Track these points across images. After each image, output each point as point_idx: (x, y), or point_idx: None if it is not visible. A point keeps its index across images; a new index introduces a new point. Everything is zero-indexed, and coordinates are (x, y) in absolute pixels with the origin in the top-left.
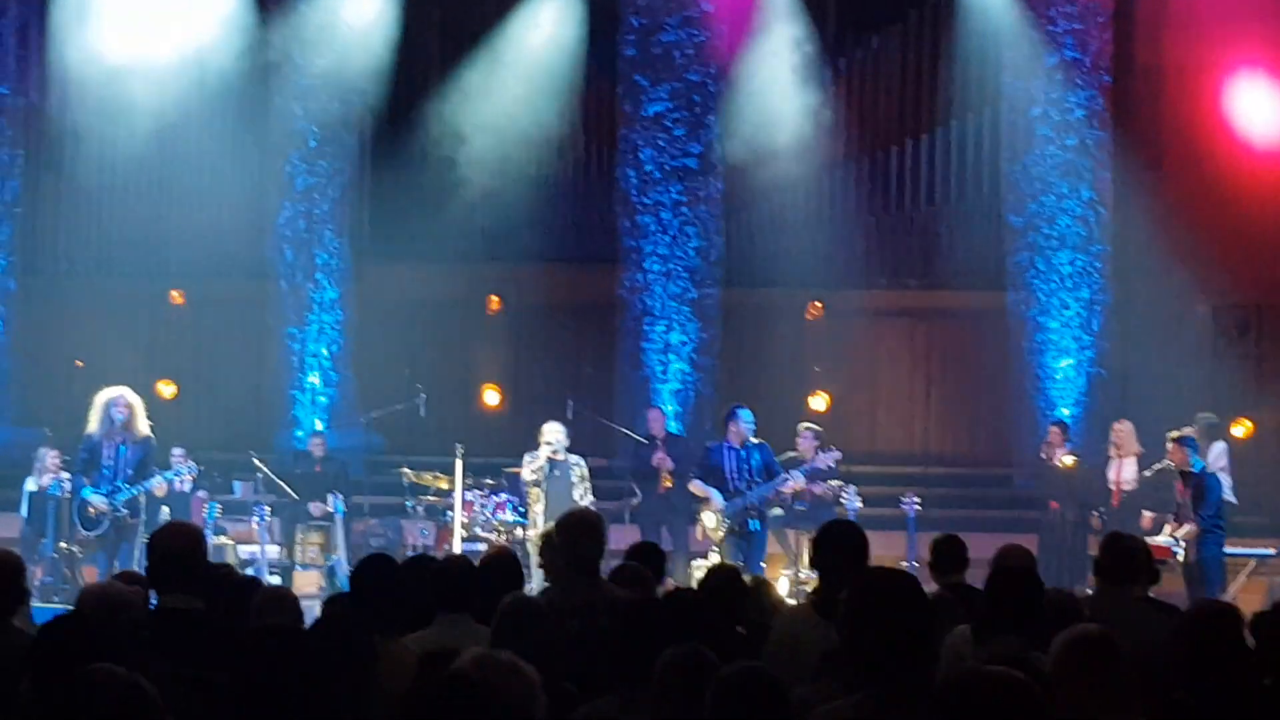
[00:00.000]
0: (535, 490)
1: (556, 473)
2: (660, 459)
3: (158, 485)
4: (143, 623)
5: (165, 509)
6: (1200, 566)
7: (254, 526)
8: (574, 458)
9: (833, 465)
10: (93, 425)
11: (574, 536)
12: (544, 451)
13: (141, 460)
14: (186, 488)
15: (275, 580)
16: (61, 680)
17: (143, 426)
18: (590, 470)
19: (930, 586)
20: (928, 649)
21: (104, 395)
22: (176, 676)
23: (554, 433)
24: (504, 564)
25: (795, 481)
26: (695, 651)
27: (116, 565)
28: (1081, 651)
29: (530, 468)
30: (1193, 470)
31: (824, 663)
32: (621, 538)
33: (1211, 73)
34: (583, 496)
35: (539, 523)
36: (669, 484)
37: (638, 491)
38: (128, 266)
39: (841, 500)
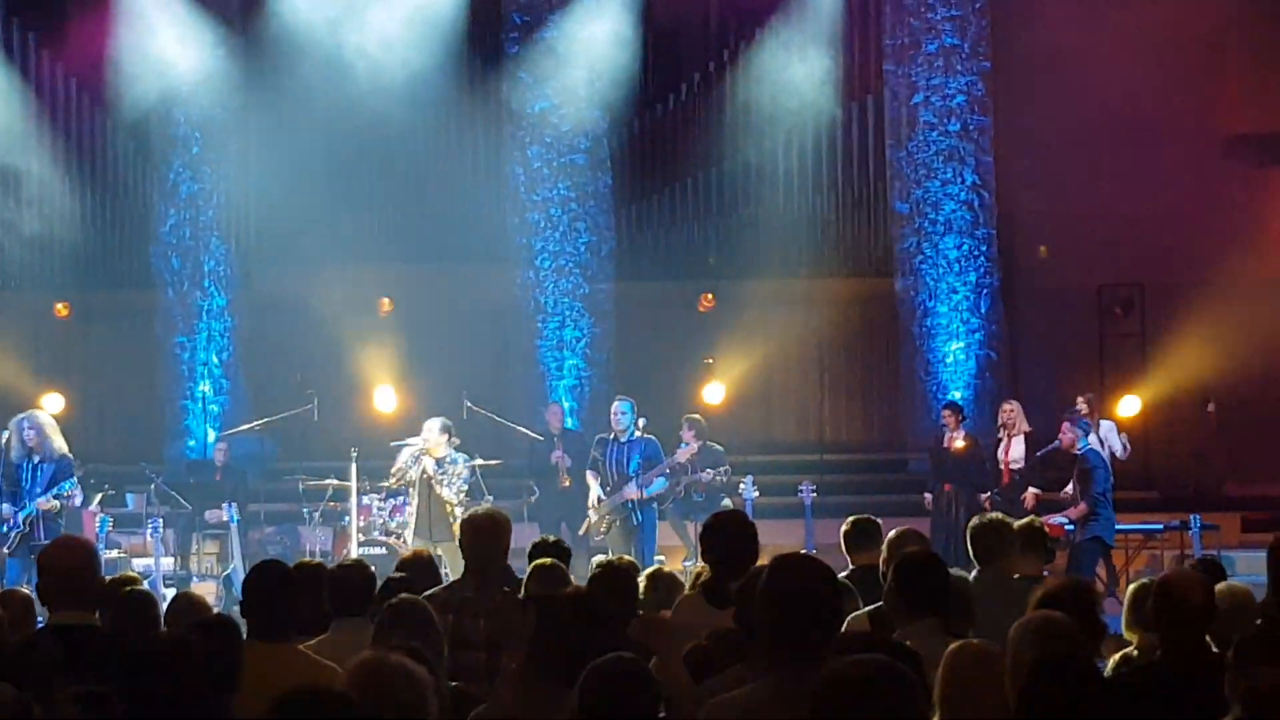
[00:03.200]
0: (412, 490)
1: (435, 472)
2: (558, 456)
3: (43, 503)
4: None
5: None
6: (1078, 548)
7: (148, 539)
8: (457, 455)
9: (685, 462)
10: (10, 451)
11: (478, 536)
12: (417, 449)
13: (52, 477)
14: (78, 502)
15: (170, 593)
16: None
17: (58, 444)
18: (484, 469)
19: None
20: (833, 636)
21: (13, 421)
22: (73, 693)
23: (427, 430)
24: (421, 567)
25: (653, 473)
26: (620, 660)
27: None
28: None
29: (399, 461)
30: (1079, 452)
31: (715, 644)
32: (521, 535)
33: (1091, 56)
34: (455, 496)
35: (411, 523)
36: (568, 482)
37: (536, 489)
38: (10, 280)
39: (739, 490)
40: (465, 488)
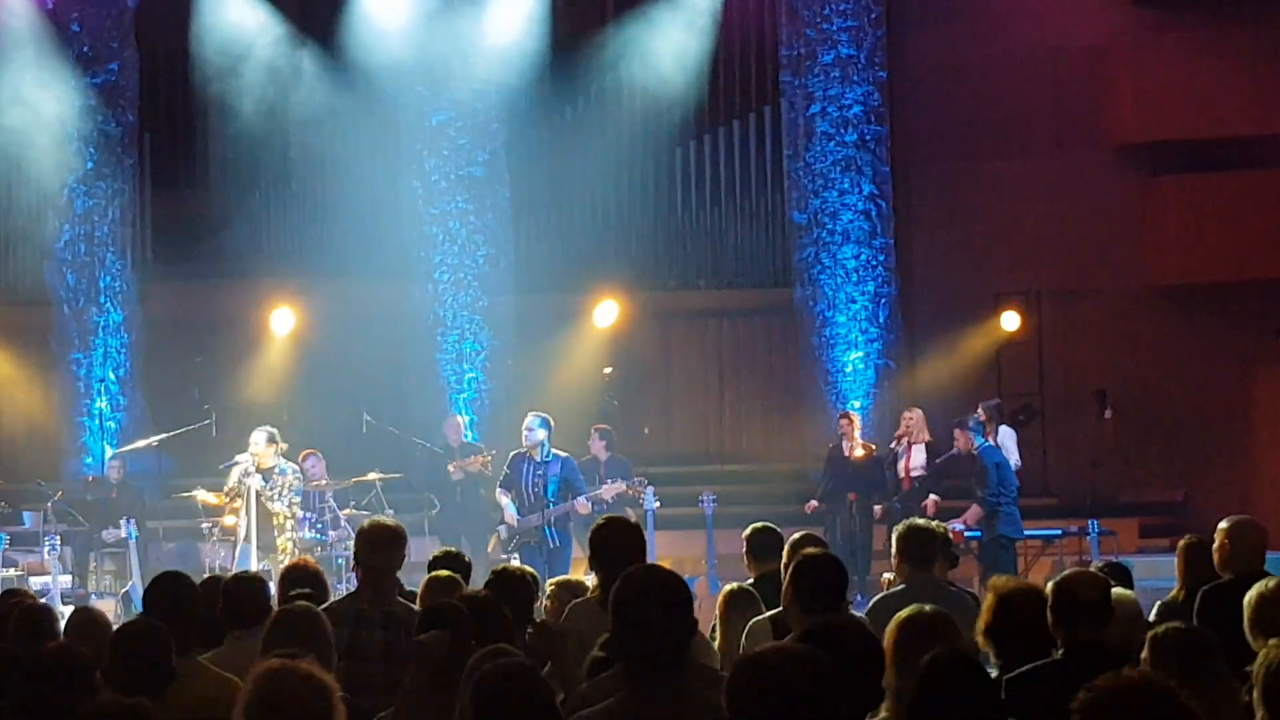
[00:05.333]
0: (238, 502)
1: (263, 484)
2: (457, 466)
3: None
4: None
5: None
6: (988, 547)
7: (45, 556)
8: (286, 465)
9: (614, 499)
10: None
11: (373, 548)
12: (245, 461)
13: None
14: None
15: (68, 611)
16: None
17: None
18: (384, 482)
19: (748, 577)
20: (684, 648)
21: None
22: None
23: (253, 442)
24: (308, 577)
25: (581, 505)
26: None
27: None
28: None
29: (230, 481)
30: (976, 452)
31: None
32: (423, 549)
33: (986, 66)
34: (287, 509)
35: (240, 540)
36: (478, 465)
37: (436, 502)
38: None
39: (640, 500)
40: (297, 499)
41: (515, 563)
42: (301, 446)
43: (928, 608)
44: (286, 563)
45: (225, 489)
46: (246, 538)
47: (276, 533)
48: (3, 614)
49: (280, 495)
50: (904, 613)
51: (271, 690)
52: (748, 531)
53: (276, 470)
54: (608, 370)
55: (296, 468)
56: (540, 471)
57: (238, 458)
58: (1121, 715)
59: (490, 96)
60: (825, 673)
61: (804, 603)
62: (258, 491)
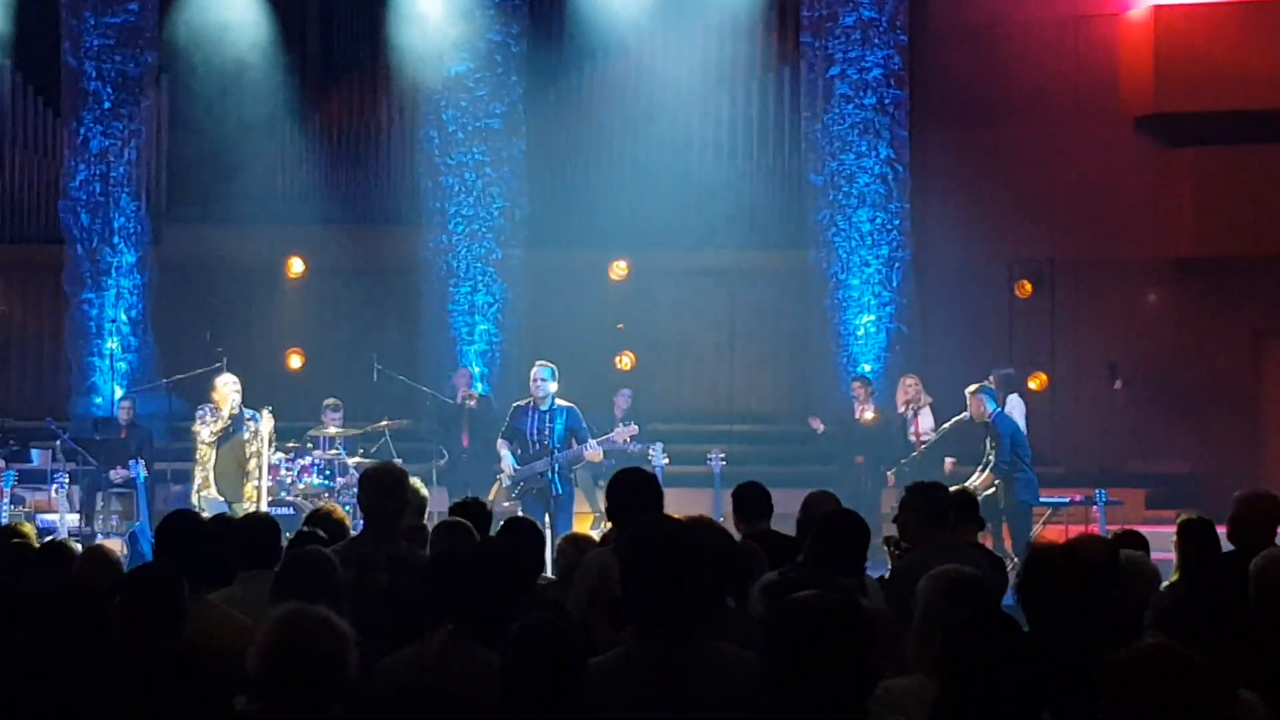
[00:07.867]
0: (205, 448)
1: (234, 430)
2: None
3: None
4: None
5: None
6: (1007, 513)
7: (53, 495)
8: (250, 412)
9: (628, 441)
10: None
11: (374, 491)
12: (226, 408)
13: None
14: None
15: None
16: None
17: None
18: (393, 431)
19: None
20: (697, 600)
21: None
22: None
23: (227, 385)
24: (334, 523)
25: (592, 451)
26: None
27: None
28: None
29: (211, 427)
30: (989, 419)
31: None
32: (430, 499)
33: (1006, 32)
34: (259, 454)
35: (211, 482)
36: (474, 402)
37: (445, 452)
38: None
39: (649, 457)
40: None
41: (519, 513)
42: (314, 392)
43: (962, 568)
44: (250, 508)
45: (213, 431)
46: (206, 483)
47: (246, 479)
48: (10, 549)
49: (256, 439)
50: (936, 573)
51: (288, 635)
52: (735, 489)
53: (249, 416)
54: (620, 325)
55: (255, 414)
56: (546, 420)
57: (229, 400)
58: (1144, 684)
59: (509, 48)
60: (864, 621)
61: (830, 565)
62: (259, 435)
